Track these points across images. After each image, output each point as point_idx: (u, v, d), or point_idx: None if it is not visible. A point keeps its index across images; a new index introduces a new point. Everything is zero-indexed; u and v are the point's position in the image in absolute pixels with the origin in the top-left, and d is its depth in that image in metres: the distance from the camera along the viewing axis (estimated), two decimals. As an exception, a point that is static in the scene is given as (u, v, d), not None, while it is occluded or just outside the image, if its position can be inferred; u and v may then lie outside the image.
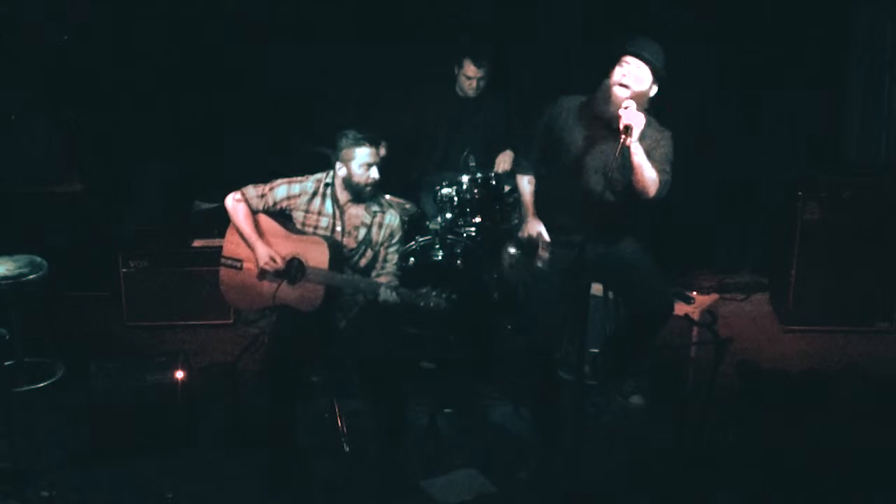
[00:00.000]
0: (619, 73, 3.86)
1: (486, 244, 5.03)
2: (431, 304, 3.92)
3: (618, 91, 3.83)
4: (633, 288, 4.15)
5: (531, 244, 4.05)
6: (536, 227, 4.06)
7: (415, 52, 6.01)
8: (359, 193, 4.10)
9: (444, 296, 3.92)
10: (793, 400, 4.66)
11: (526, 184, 4.22)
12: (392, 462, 4.16)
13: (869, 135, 5.93)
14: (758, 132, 6.06)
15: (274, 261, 4.09)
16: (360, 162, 4.03)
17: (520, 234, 4.14)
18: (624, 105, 3.76)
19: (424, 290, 3.94)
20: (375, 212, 4.14)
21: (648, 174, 3.81)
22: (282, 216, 4.19)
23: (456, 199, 5.16)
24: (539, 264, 4.00)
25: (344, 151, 4.04)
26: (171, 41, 5.96)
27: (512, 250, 4.23)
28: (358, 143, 4.01)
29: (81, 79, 6.00)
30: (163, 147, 6.16)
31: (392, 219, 4.16)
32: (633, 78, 3.84)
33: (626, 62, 3.85)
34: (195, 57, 6.01)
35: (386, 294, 3.95)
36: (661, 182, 3.86)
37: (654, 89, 3.91)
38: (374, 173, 4.06)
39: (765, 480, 4.12)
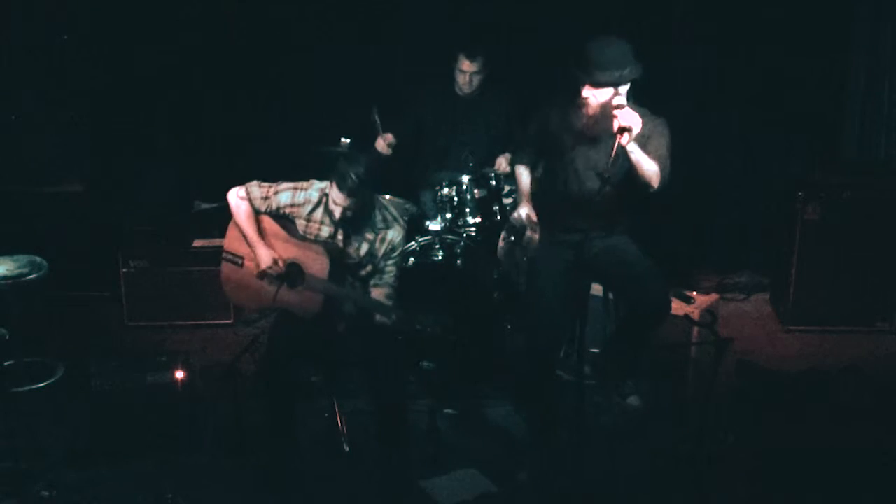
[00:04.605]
0: (592, 100, 3.92)
1: (486, 244, 5.03)
2: (428, 330, 4.02)
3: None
4: (630, 285, 4.16)
5: (522, 227, 4.17)
6: (527, 211, 4.19)
7: (415, 52, 6.01)
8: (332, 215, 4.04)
9: (439, 323, 4.02)
10: (793, 400, 4.66)
11: (523, 171, 4.36)
12: (392, 462, 4.16)
13: (869, 135, 5.92)
14: (758, 132, 6.05)
15: (276, 264, 4.07)
16: (333, 197, 3.96)
17: (512, 217, 4.21)
18: (616, 104, 3.77)
19: (422, 316, 4.01)
20: (379, 229, 4.08)
21: (648, 167, 3.85)
22: (284, 218, 4.16)
23: (456, 199, 5.17)
24: (526, 244, 4.14)
25: (333, 180, 3.94)
26: (171, 41, 5.96)
27: (506, 235, 4.25)
28: (335, 183, 3.90)
29: (81, 79, 6.00)
30: (163, 147, 6.16)
31: (395, 235, 4.09)
32: (599, 97, 3.90)
33: (590, 90, 3.90)
34: (195, 57, 6.01)
35: (382, 319, 4.00)
36: (661, 172, 3.89)
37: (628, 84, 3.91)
38: (338, 214, 3.96)
39: (764, 480, 4.12)
